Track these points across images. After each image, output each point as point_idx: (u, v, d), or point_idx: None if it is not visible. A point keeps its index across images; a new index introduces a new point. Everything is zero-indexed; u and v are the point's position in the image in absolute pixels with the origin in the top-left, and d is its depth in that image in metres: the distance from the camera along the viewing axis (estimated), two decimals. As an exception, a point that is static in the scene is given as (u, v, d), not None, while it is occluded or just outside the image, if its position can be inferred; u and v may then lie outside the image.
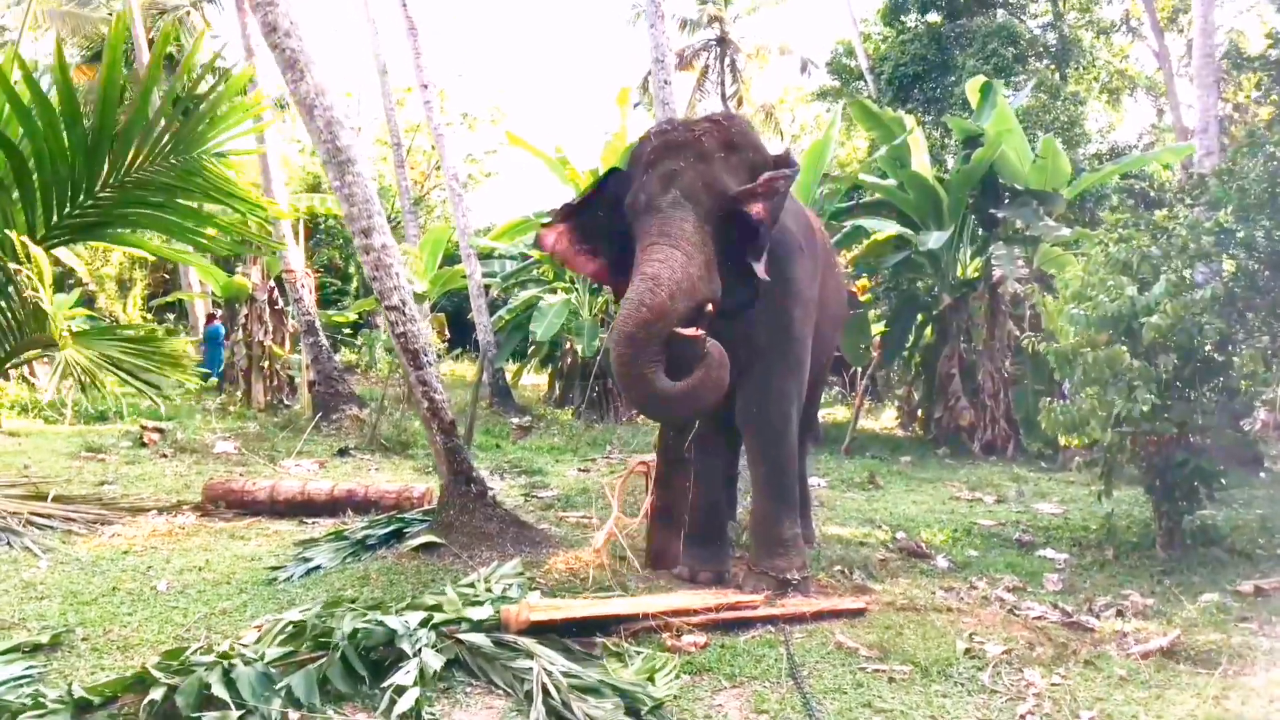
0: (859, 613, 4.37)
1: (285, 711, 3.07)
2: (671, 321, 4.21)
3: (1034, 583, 5.64)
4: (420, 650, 3.45)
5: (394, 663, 3.42)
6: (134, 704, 3.02)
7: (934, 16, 23.18)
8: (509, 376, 15.26)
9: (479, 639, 3.63)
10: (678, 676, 3.57)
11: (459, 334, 21.17)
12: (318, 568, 4.81)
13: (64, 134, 5.17)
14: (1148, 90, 24.55)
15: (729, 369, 4.27)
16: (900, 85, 22.57)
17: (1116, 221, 6.79)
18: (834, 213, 12.31)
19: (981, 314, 11.91)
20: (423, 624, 3.64)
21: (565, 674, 3.40)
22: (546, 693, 3.29)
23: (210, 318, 15.73)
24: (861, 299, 13.41)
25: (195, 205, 6.08)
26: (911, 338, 13.50)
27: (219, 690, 3.05)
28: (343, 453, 9.30)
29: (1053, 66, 22.70)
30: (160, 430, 9.68)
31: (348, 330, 19.50)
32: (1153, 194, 14.51)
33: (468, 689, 3.42)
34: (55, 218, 5.64)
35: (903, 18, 23.69)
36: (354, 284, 24.92)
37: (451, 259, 18.11)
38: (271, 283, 13.32)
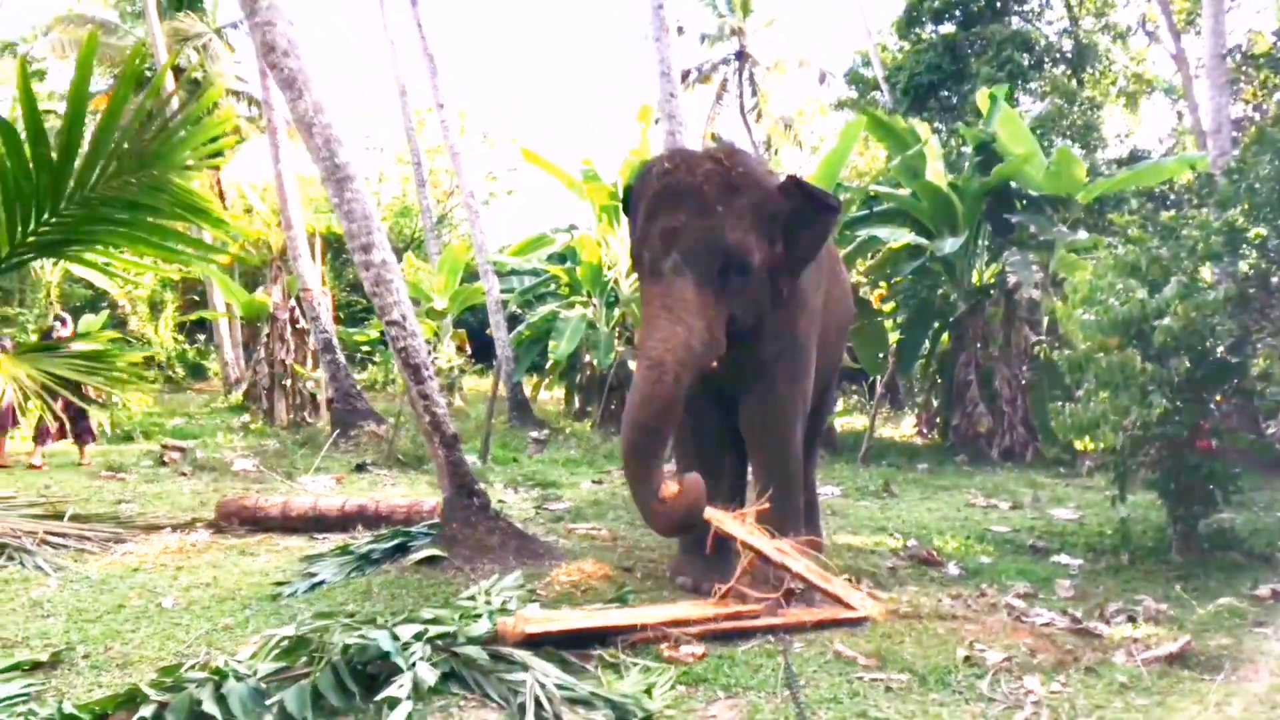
0: (860, 621, 4.33)
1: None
2: (680, 402, 4.41)
3: (1046, 589, 5.59)
4: (414, 664, 3.46)
5: (388, 677, 3.42)
6: (125, 721, 3.04)
7: (948, 27, 23.13)
8: (528, 390, 15.31)
9: (474, 652, 3.63)
10: (673, 688, 3.56)
11: (481, 350, 21.33)
12: (321, 583, 4.84)
13: (26, 151, 5.08)
14: (1166, 93, 24.33)
15: (705, 497, 4.28)
16: (916, 95, 22.54)
17: (1126, 224, 6.73)
18: (847, 223, 12.28)
19: (998, 320, 11.85)
20: (417, 637, 3.65)
21: (558, 686, 3.39)
22: (540, 705, 3.29)
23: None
24: (877, 307, 13.38)
25: (163, 222, 6.01)
26: (928, 345, 13.45)
27: (210, 707, 3.06)
28: (360, 468, 9.36)
29: (1069, 72, 22.55)
30: (180, 449, 9.78)
31: (366, 348, 19.64)
32: (1172, 196, 14.42)
33: (462, 703, 3.41)
34: (19, 235, 5.53)
35: (917, 29, 23.66)
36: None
37: (472, 276, 18.25)
38: (293, 301, 13.44)
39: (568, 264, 15.23)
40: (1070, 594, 5.51)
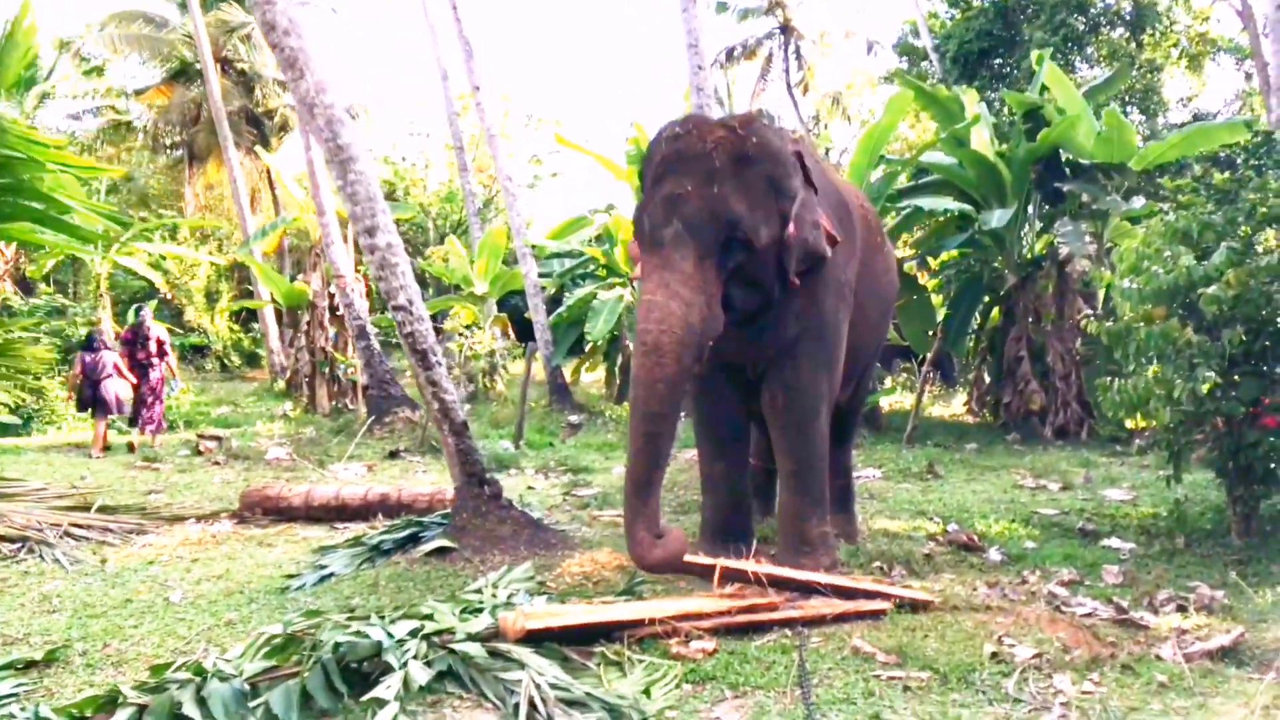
0: (882, 613, 4.10)
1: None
2: (684, 382, 4.28)
3: (1092, 575, 5.32)
4: (406, 663, 3.32)
5: (381, 676, 3.29)
6: (104, 724, 2.95)
7: (1000, -9, 22.41)
8: (568, 374, 15.18)
9: (473, 649, 3.49)
10: (679, 686, 3.39)
11: (524, 333, 21.27)
12: (330, 575, 4.74)
13: None
14: (1232, 53, 23.35)
15: (684, 553, 4.14)
16: (966, 63, 21.85)
17: (1176, 188, 6.35)
18: (892, 195, 11.91)
19: (1049, 293, 11.43)
20: (413, 634, 3.51)
21: (554, 686, 3.23)
22: (534, 706, 3.13)
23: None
24: (924, 282, 13.01)
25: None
26: (978, 320, 13.05)
27: (189, 709, 2.95)
28: (393, 455, 9.31)
29: (1127, 35, 21.73)
30: (217, 438, 9.81)
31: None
32: (1238, 159, 13.76)
33: (456, 702, 3.28)
34: None
35: (967, -5, 22.97)
36: (430, 290, 25.21)
37: (513, 259, 18.16)
38: (332, 288, 13.43)
39: (605, 246, 15.05)
40: (1118, 581, 5.23)
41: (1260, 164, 6.26)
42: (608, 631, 3.77)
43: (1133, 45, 21.39)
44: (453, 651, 3.48)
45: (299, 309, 14.03)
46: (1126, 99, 20.21)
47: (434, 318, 19.24)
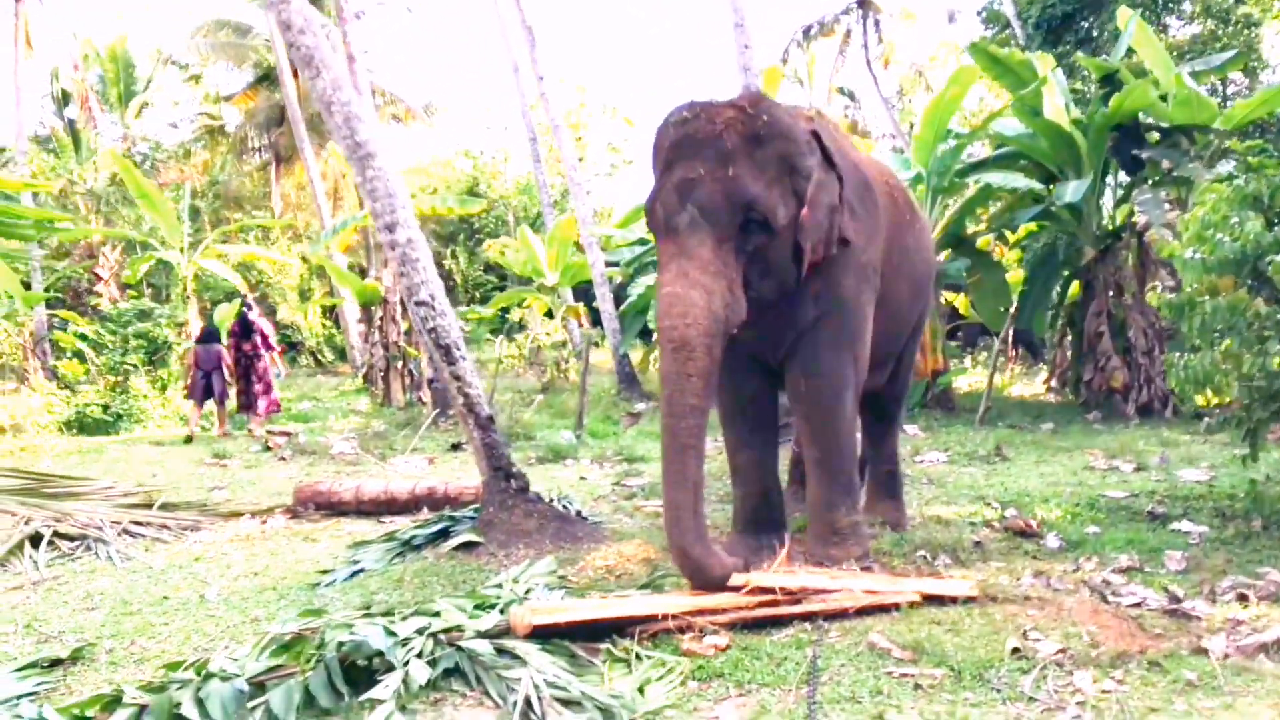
0: (911, 606, 3.95)
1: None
2: (715, 376, 4.11)
3: (1154, 562, 5.08)
4: (409, 661, 3.31)
5: (386, 674, 3.30)
6: (106, 724, 3.01)
7: (1084, -49, 21.53)
8: (636, 361, 15.14)
9: (480, 646, 3.47)
10: (684, 683, 3.31)
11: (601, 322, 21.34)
12: (361, 571, 4.78)
13: None
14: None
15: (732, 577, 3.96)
16: (1050, 28, 21.09)
17: (1246, 150, 5.98)
18: (961, 170, 11.53)
19: (1130, 266, 10.94)
20: (420, 631, 3.51)
21: (550, 684, 3.19)
22: (529, 705, 3.10)
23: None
24: (998, 258, 12.61)
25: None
26: (1056, 296, 12.58)
27: (188, 709, 2.99)
28: (455, 448, 9.39)
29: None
30: (287, 434, 10.05)
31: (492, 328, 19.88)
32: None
33: (459, 700, 3.26)
34: None
35: (1051, -45, 22.11)
36: (507, 282, 25.45)
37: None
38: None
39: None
40: (1180, 567, 4.98)
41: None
42: (620, 627, 3.71)
43: (1230, 1, 20.36)
44: (460, 649, 3.47)
45: (373, 305, 14.28)
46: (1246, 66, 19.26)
47: (505, 310, 19.60)
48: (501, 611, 3.76)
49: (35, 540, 5.59)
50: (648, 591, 4.16)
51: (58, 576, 5.04)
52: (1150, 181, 10.91)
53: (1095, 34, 20.64)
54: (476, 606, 3.89)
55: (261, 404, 11.18)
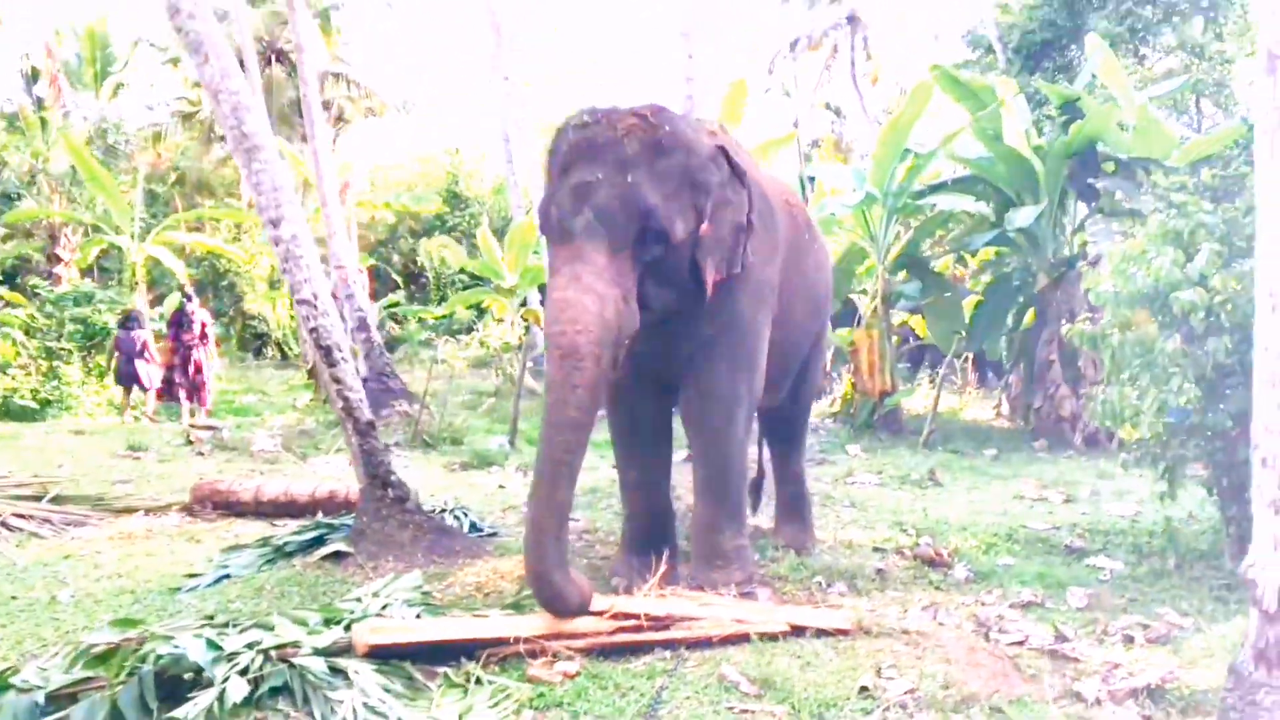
0: (775, 636, 3.80)
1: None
2: (602, 387, 3.95)
3: (1057, 598, 4.96)
4: (229, 678, 3.14)
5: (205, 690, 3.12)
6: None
7: (1067, -22, 21.54)
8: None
9: (314, 663, 3.30)
10: (518, 712, 3.15)
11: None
12: (227, 576, 4.60)
13: None
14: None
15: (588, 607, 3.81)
16: (1029, 54, 21.11)
17: (1170, 187, 5.88)
18: (916, 192, 11.43)
19: (1083, 295, 10.85)
20: (250, 646, 3.33)
21: (369, 707, 3.02)
22: (344, 729, 2.94)
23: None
24: (952, 280, 12.53)
25: None
26: (1010, 321, 12.51)
27: (-26, 722, 2.82)
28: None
29: (1205, 26, 20.75)
30: (213, 428, 9.84)
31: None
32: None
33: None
34: None
35: (1036, -18, 22.13)
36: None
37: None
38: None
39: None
40: (1082, 604, 4.88)
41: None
42: (470, 649, 3.54)
43: (1208, 36, 20.43)
44: (292, 666, 3.30)
45: (321, 299, 14.08)
46: (1199, 93, 19.35)
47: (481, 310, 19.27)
48: (347, 628, 3.58)
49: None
50: (509, 612, 3.99)
51: (-91, 568, 4.84)
52: (1105, 212, 10.84)
53: (1074, 62, 20.68)
54: (326, 621, 3.72)
55: (208, 396, 11.13)
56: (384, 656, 3.41)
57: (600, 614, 3.74)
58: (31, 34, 26.32)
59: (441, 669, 3.40)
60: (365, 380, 10.89)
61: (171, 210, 21.88)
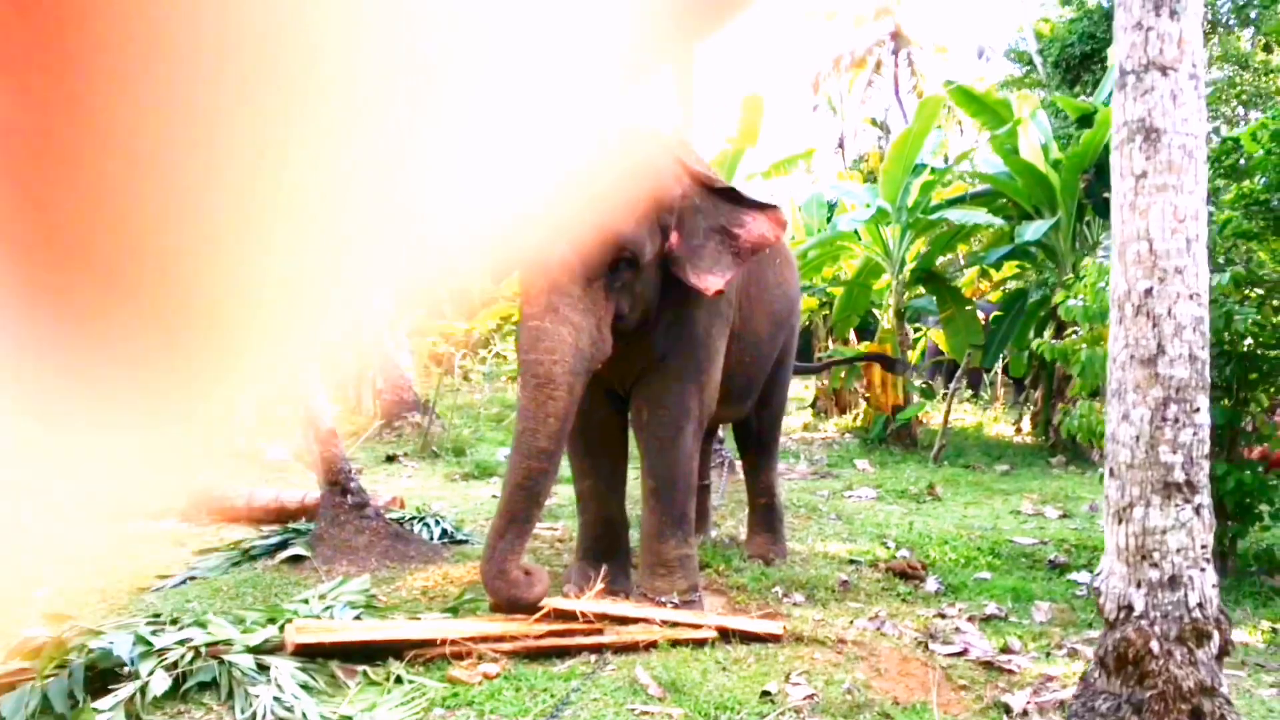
0: (703, 642, 3.86)
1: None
2: (573, 411, 4.03)
3: (1022, 612, 4.95)
4: (153, 672, 3.29)
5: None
6: None
7: (1107, -9, 21.30)
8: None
9: (243, 660, 3.44)
10: (428, 710, 3.25)
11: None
12: (193, 578, 4.77)
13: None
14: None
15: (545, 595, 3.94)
16: (1068, 68, 20.89)
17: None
18: (933, 206, 11.38)
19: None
20: (181, 643, 3.48)
21: (279, 701, 3.15)
22: (253, 721, 3.07)
23: None
24: (969, 295, 12.44)
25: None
26: (1032, 336, 12.38)
27: (-93, 709, 2.99)
28: (390, 459, 9.39)
29: (1238, 35, 20.40)
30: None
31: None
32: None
33: (202, 713, 3.23)
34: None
35: (1078, -6, 21.92)
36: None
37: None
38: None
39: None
40: (1046, 618, 4.89)
41: (1229, 172, 5.71)
42: (397, 649, 3.66)
43: (1251, 46, 20.07)
44: (222, 662, 3.44)
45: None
46: (1244, 104, 19.04)
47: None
48: (281, 628, 3.72)
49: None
50: (445, 615, 4.10)
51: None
52: (1118, 224, 10.70)
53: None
54: (269, 620, 3.85)
55: None
56: (311, 655, 3.54)
57: (531, 616, 3.83)
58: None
59: (359, 668, 3.50)
60: (381, 392, 11.15)
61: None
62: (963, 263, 12.93)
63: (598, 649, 3.80)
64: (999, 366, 13.70)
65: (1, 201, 0.35)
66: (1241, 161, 5.60)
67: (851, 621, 4.49)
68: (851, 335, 13.70)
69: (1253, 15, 21.37)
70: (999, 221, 10.73)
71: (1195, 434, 2.72)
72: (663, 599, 4.33)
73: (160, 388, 0.41)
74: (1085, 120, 11.20)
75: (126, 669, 3.32)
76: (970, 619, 4.80)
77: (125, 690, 3.17)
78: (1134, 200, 2.92)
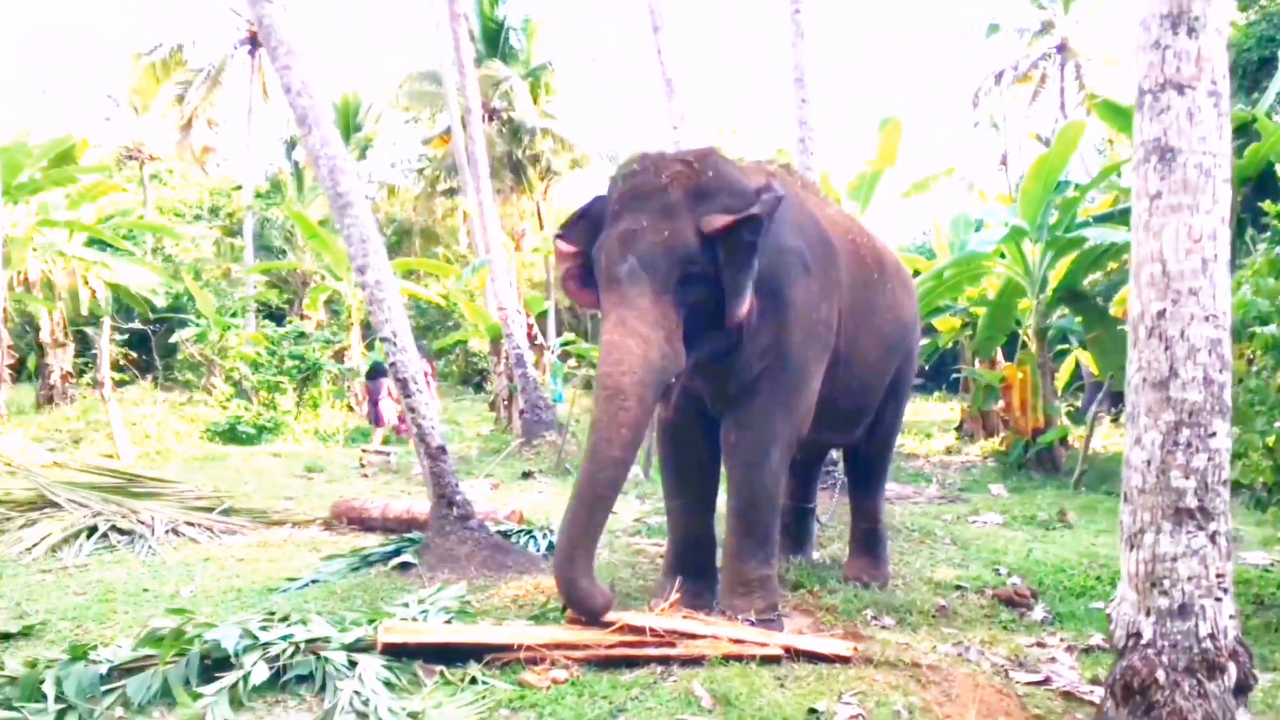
0: (770, 660, 3.95)
1: (109, 711, 3.42)
2: (645, 426, 4.23)
3: (1131, 644, 4.80)
4: (257, 663, 3.66)
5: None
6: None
7: (1289, -9, 19.96)
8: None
9: (337, 656, 3.78)
10: (493, 710, 3.49)
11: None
12: (316, 581, 5.19)
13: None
14: None
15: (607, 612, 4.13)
16: (1245, 73, 19.64)
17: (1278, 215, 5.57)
18: (1072, 225, 10.98)
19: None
20: (285, 638, 3.85)
21: (359, 695, 3.46)
22: (331, 712, 3.39)
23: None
24: (1115, 314, 11.89)
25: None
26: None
27: (48, 687, 3.44)
28: (526, 475, 9.80)
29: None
30: (384, 453, 10.77)
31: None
32: None
33: (296, 703, 3.58)
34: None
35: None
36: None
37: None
38: (531, 319, 14.33)
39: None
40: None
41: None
42: (477, 652, 3.92)
43: None
44: (319, 657, 3.79)
45: (499, 339, 15.06)
46: None
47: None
48: (372, 629, 4.05)
49: (92, 532, 6.34)
50: (529, 622, 4.34)
51: (85, 565, 5.72)
52: (1273, 239, 10.05)
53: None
54: (369, 621, 4.20)
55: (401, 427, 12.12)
56: (397, 654, 3.84)
57: (607, 627, 4.03)
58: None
59: (437, 669, 3.78)
60: (521, 412, 11.63)
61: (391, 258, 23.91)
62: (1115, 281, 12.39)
63: (665, 660, 3.95)
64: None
65: None
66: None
67: (934, 646, 4.47)
68: (999, 355, 13.34)
69: None
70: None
71: (1210, 459, 2.66)
72: (740, 617, 4.44)
73: None
74: (1242, 129, 10.58)
75: (234, 659, 3.72)
76: (1069, 649, 4.68)
77: (229, 678, 3.55)
78: (1148, 220, 2.89)
